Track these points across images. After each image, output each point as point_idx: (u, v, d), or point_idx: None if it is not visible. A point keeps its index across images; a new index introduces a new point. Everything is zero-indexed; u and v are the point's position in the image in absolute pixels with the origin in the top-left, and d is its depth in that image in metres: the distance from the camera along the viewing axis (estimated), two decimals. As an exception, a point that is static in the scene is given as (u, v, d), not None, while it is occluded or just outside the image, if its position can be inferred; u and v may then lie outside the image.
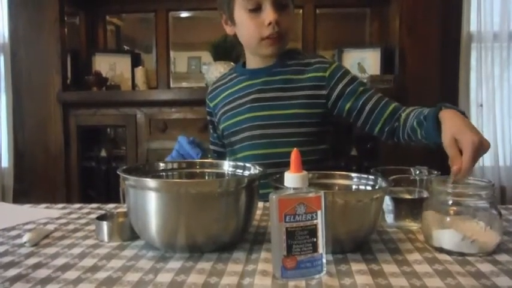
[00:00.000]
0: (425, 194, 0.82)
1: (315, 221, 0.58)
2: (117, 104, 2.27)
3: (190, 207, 0.65)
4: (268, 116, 1.10)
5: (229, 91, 1.19)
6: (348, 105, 1.08)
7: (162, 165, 0.85)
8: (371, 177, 0.77)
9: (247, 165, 0.83)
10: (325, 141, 1.14)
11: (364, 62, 2.36)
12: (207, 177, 0.86)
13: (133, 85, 2.50)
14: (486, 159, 2.26)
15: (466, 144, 0.73)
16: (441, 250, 0.68)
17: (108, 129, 2.50)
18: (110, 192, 2.32)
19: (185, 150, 1.08)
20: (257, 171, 0.77)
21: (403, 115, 1.03)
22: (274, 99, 1.11)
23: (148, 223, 0.67)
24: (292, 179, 0.58)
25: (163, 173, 0.84)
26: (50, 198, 2.19)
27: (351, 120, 1.11)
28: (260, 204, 0.89)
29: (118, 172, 0.70)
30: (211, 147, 1.30)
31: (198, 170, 0.86)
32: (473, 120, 2.31)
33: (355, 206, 0.66)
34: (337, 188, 0.80)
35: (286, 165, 0.59)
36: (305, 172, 0.59)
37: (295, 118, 1.09)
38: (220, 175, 0.85)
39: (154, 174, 0.83)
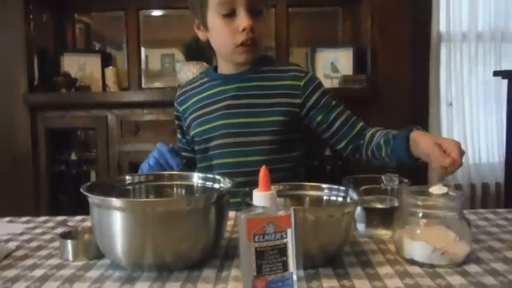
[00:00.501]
0: (396, 203, 0.83)
1: (285, 239, 0.57)
2: (87, 106, 2.21)
3: (157, 226, 0.63)
4: (242, 123, 1.08)
5: (200, 96, 1.16)
6: (319, 117, 1.09)
7: (128, 178, 0.82)
8: (342, 188, 0.77)
9: (217, 177, 0.81)
10: (298, 148, 1.13)
11: (337, 61, 2.37)
12: (175, 190, 0.83)
13: (104, 86, 2.43)
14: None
15: (451, 145, 0.79)
16: (412, 262, 0.68)
17: (78, 132, 2.43)
18: (80, 195, 2.26)
19: (165, 160, 1.06)
20: (227, 185, 0.76)
21: (368, 134, 1.07)
22: (248, 106, 1.09)
23: (114, 243, 0.65)
24: (260, 197, 0.57)
25: (130, 187, 0.82)
26: (18, 204, 2.12)
27: (318, 131, 1.11)
28: (231, 214, 0.88)
29: (81, 190, 0.68)
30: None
31: (166, 183, 0.84)
32: (443, 119, 2.36)
33: (326, 222, 0.65)
34: (308, 199, 0.79)
35: (259, 174, 0.57)
36: (273, 190, 0.57)
37: (269, 126, 1.07)
38: (190, 188, 0.83)
39: (121, 188, 0.80)
